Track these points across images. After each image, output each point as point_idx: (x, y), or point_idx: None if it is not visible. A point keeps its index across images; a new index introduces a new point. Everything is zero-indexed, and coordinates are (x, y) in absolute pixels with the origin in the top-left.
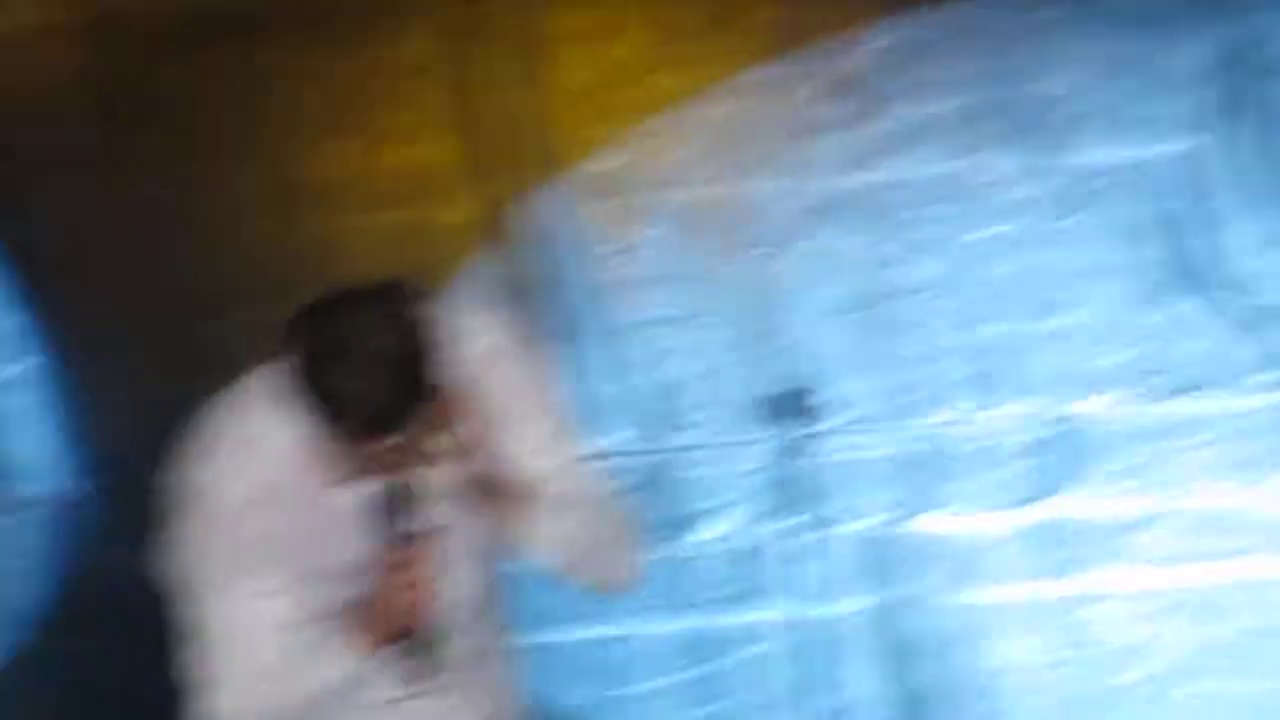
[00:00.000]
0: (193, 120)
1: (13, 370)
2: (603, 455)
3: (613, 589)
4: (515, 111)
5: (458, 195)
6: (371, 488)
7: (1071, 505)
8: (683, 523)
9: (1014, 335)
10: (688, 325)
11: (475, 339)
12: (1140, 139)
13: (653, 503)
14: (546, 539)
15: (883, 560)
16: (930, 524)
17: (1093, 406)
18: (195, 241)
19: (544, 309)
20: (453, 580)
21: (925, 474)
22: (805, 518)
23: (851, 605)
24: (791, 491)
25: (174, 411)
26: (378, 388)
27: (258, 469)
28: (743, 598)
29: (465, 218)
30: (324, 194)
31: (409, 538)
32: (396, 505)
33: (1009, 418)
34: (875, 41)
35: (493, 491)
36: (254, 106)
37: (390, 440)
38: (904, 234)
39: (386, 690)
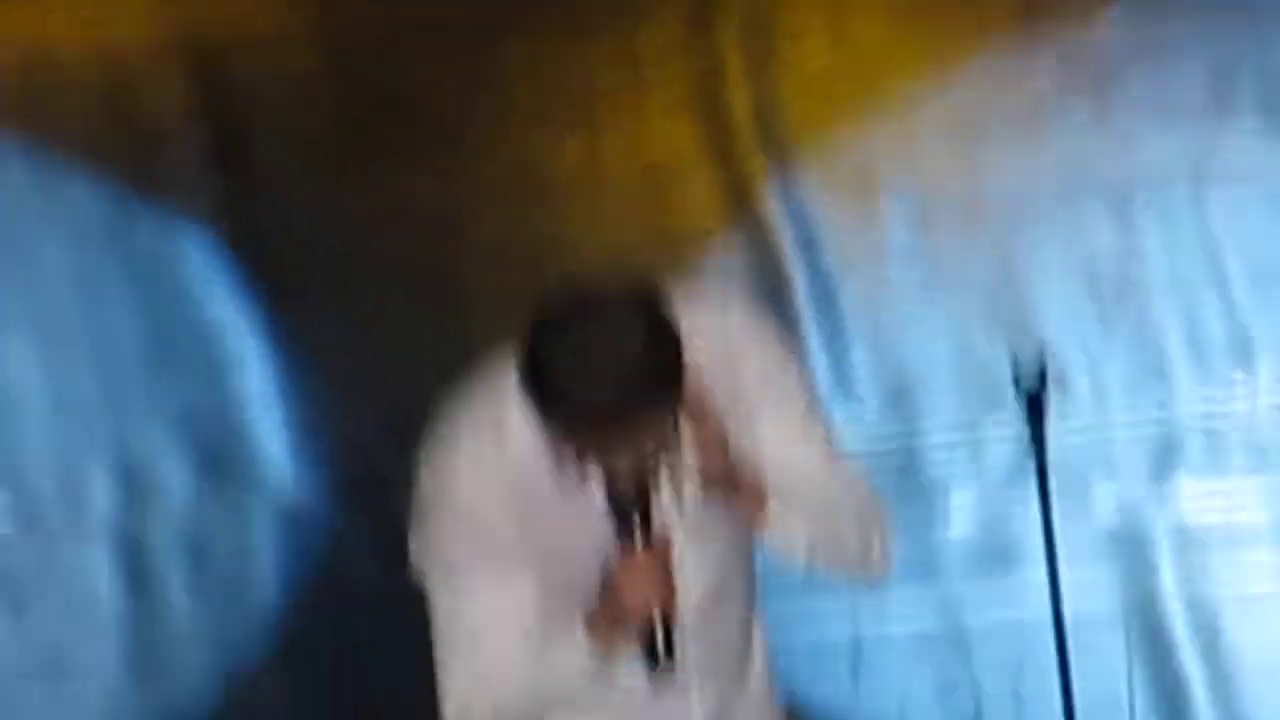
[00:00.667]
0: (432, 115)
1: (248, 369)
2: (849, 438)
3: (864, 579)
4: (753, 99)
5: (698, 184)
6: (612, 485)
7: None
8: (932, 503)
9: (1267, 303)
10: (932, 305)
11: (720, 332)
12: None
13: (900, 484)
14: (795, 533)
15: (1134, 546)
16: (1182, 507)
17: None
18: (434, 235)
19: (786, 295)
20: (695, 578)
21: (1175, 454)
22: (1055, 502)
23: (1103, 593)
24: (1042, 470)
25: (412, 406)
26: (615, 391)
27: (507, 463)
28: (993, 587)
29: (705, 205)
30: (564, 185)
31: (649, 535)
32: (637, 503)
33: (1260, 396)
34: (1116, 12)
35: (737, 487)
36: (493, 100)
37: (627, 440)
38: (1149, 205)
39: (622, 687)
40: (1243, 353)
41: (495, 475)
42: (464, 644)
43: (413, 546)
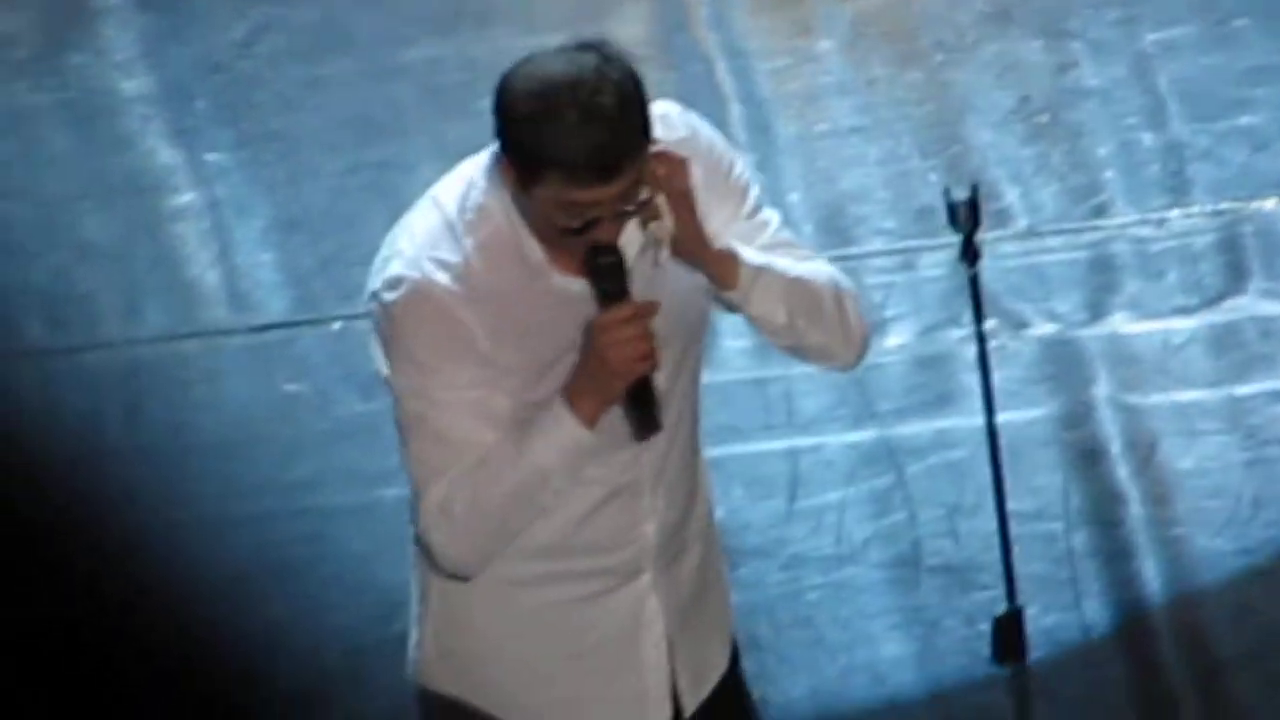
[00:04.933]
0: None
1: (184, 199)
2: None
3: (843, 353)
4: None
5: (630, 13)
6: (592, 252)
7: (1257, 304)
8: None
9: (1195, 136)
10: (866, 134)
11: (663, 134)
12: None
13: None
14: (772, 298)
15: (1069, 364)
16: (1116, 326)
17: (1276, 205)
18: (370, 64)
19: (719, 125)
20: (663, 354)
21: (1109, 276)
22: (990, 323)
23: (1038, 410)
24: (975, 297)
25: (349, 240)
26: (602, 131)
27: (467, 263)
28: (928, 405)
29: (639, 35)
30: (494, 14)
31: (626, 296)
32: (617, 269)
33: (1192, 218)
34: None
35: (709, 250)
36: None
37: (614, 187)
38: (1082, 37)
39: (584, 487)
40: (1176, 175)
41: (456, 274)
42: (445, 443)
43: (377, 354)
